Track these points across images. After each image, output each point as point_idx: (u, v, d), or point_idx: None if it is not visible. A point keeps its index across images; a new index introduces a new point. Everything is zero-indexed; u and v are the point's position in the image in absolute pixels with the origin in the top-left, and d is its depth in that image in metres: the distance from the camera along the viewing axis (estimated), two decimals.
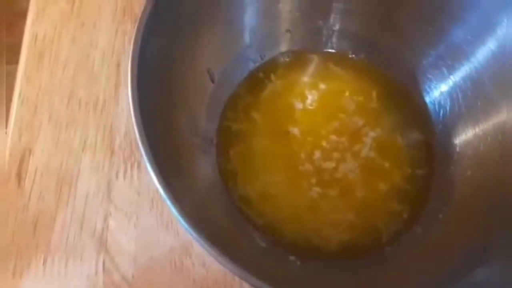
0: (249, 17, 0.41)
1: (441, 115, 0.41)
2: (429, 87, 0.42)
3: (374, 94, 0.43)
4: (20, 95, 0.44)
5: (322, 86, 0.44)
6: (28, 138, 0.42)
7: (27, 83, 0.44)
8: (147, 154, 0.27)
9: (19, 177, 0.41)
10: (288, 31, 0.44)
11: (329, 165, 0.41)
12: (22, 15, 0.48)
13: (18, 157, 0.41)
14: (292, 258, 0.37)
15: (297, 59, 0.45)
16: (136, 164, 0.42)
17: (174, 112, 0.36)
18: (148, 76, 0.31)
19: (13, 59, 0.47)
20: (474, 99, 0.38)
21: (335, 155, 0.41)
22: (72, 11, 0.48)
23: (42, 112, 0.43)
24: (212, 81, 0.40)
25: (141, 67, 0.30)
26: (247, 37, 0.42)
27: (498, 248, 0.33)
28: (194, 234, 0.26)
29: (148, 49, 0.31)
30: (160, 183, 0.27)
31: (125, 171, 0.41)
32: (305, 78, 0.44)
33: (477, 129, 0.38)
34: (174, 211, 0.26)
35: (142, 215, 0.40)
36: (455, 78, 0.40)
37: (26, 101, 0.43)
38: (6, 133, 0.42)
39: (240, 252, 0.35)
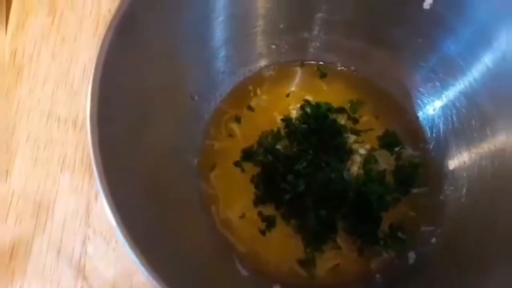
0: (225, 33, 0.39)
1: (434, 132, 0.38)
2: (422, 102, 0.39)
3: (365, 108, 0.41)
4: None
5: (309, 99, 0.41)
6: (5, 159, 0.41)
7: (5, 100, 0.43)
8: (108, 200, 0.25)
9: None
10: (273, 43, 0.41)
11: None
12: None
13: None
14: (276, 287, 0.35)
15: (284, 72, 0.42)
16: None
17: (147, 138, 0.33)
18: (113, 106, 0.29)
19: None
20: (469, 117, 0.35)
21: None
22: (52, 24, 0.46)
23: (19, 130, 0.42)
24: (192, 98, 0.38)
25: (103, 93, 0.28)
26: (226, 53, 0.40)
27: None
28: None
29: (112, 75, 0.28)
30: (116, 222, 0.25)
31: None
32: (291, 91, 0.42)
33: (472, 151, 0.35)
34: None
35: None
36: (449, 93, 0.37)
37: (4, 119, 0.42)
38: None
39: (220, 283, 0.33)
